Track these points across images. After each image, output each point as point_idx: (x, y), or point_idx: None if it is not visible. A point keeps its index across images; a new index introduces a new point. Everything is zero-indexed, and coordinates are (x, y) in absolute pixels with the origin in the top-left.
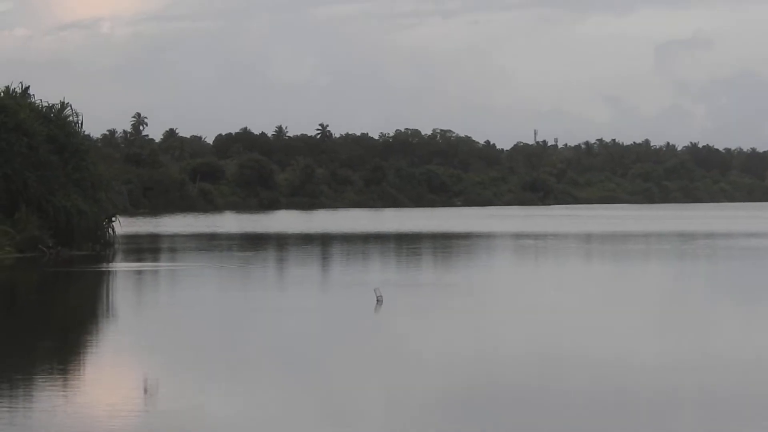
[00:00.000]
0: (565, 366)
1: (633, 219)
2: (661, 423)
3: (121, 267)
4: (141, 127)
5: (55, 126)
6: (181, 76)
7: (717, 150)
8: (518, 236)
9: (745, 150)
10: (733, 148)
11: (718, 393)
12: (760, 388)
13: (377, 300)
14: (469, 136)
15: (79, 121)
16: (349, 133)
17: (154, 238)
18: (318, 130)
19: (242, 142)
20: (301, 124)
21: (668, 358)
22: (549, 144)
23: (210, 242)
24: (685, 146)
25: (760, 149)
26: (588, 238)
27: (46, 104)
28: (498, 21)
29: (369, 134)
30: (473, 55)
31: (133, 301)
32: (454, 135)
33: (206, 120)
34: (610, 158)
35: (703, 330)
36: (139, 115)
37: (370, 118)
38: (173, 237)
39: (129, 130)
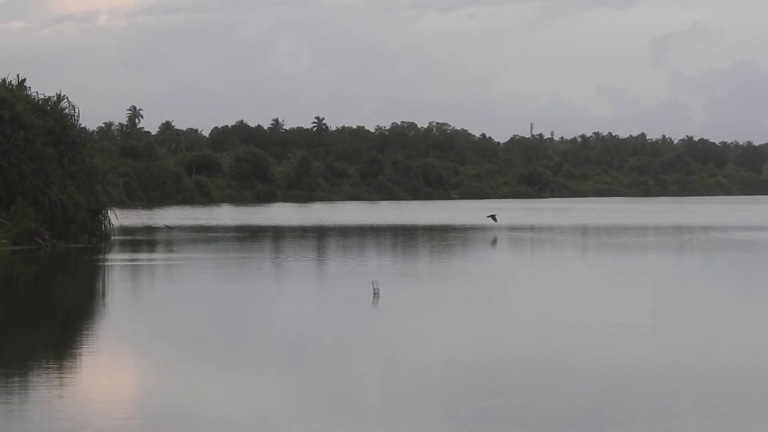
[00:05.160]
0: (565, 358)
1: (629, 212)
2: (661, 425)
3: (117, 259)
4: (137, 120)
5: (52, 118)
6: (177, 68)
7: (713, 143)
8: (514, 229)
9: (741, 143)
10: (729, 141)
11: (723, 393)
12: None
13: (374, 293)
14: (465, 129)
15: (76, 114)
16: (346, 126)
17: (150, 230)
18: (314, 123)
19: (238, 134)
20: (297, 117)
21: (669, 356)
22: (545, 137)
23: (206, 234)
24: (681, 139)
25: (757, 143)
26: (584, 230)
27: (43, 97)
28: (496, 14)
29: (365, 127)
30: (470, 48)
31: (129, 293)
32: (450, 128)
33: (202, 113)
34: (606, 151)
35: (704, 327)
36: (134, 107)
37: (367, 111)
38: (169, 229)
39: (125, 123)
